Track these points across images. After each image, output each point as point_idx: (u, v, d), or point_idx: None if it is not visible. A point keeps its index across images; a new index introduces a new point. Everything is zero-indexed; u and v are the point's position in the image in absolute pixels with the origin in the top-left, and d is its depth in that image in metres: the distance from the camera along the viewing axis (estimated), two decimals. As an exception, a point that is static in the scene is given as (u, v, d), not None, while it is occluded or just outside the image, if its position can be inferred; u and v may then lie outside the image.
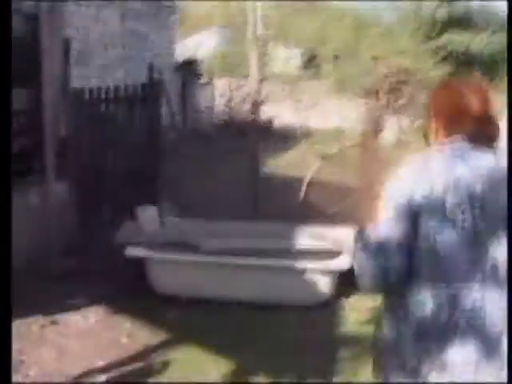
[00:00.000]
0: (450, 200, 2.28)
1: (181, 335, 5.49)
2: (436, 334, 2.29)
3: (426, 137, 2.68)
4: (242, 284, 6.02)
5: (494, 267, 2.29)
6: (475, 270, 2.28)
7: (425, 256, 2.30)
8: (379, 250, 2.32)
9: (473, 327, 2.27)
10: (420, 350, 2.31)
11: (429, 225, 2.28)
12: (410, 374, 2.34)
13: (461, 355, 2.27)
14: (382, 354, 2.50)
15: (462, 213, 2.28)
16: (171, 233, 6.53)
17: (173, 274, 6.13)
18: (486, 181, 2.32)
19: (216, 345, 5.28)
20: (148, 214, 6.63)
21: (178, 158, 10.88)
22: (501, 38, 32.92)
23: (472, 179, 2.32)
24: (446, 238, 2.27)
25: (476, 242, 2.28)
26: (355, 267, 2.48)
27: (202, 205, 8.17)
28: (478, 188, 2.31)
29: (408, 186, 2.36)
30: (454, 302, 2.27)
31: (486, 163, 2.37)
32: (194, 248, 6.19)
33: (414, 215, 2.30)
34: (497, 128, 2.49)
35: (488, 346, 2.27)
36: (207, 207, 8.37)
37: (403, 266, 2.31)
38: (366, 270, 2.38)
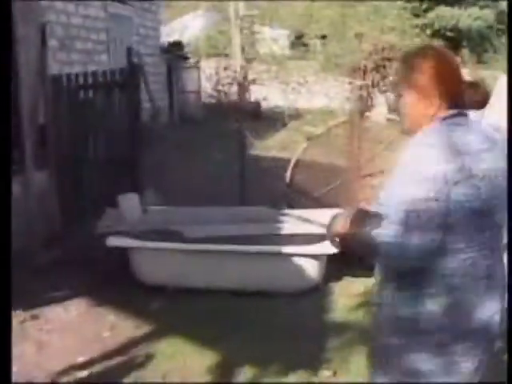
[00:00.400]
0: (475, 172, 2.32)
1: (166, 326, 5.33)
2: (468, 304, 2.40)
3: (405, 113, 2.55)
4: (228, 271, 5.87)
5: (501, 236, 2.48)
6: (490, 238, 2.42)
7: (457, 226, 2.33)
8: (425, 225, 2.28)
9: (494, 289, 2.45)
10: (451, 324, 2.39)
11: (461, 197, 2.29)
12: (440, 350, 2.40)
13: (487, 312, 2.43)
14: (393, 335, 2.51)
15: (482, 184, 2.34)
16: (154, 221, 6.36)
17: (156, 262, 5.97)
18: (492, 151, 2.41)
19: (202, 335, 5.13)
20: (130, 202, 6.46)
21: (163, 143, 10.73)
22: (489, 14, 32.91)
23: (484, 151, 2.38)
24: (473, 208, 2.32)
25: (489, 211, 2.38)
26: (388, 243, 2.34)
27: (187, 191, 8.02)
28: (490, 159, 2.38)
29: (441, 162, 2.30)
30: (478, 269, 2.40)
31: (488, 134, 2.46)
32: (177, 236, 6.03)
33: (448, 190, 2.29)
34: (486, 92, 2.49)
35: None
36: (192, 193, 8.22)
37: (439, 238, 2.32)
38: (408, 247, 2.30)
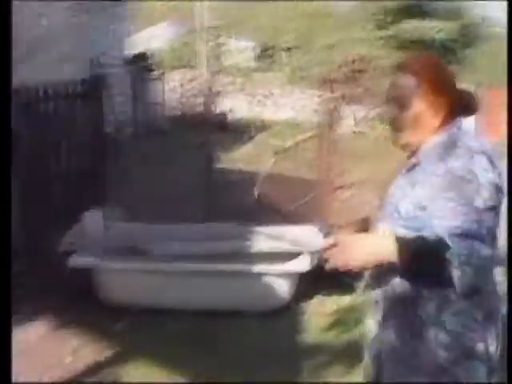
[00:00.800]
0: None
1: (132, 349, 5.11)
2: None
3: (409, 126, 2.39)
4: (196, 291, 5.65)
5: None
6: None
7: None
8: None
9: None
10: (489, 332, 2.31)
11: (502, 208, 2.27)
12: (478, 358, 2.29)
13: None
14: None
15: None
16: (119, 238, 6.10)
17: (121, 282, 5.72)
18: None
19: (170, 358, 4.91)
20: (93, 219, 6.19)
21: (127, 156, 10.48)
22: (451, 26, 33.19)
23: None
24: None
25: None
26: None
27: (152, 206, 7.77)
28: None
29: (493, 169, 2.22)
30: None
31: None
32: (143, 254, 5.78)
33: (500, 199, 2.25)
34: (476, 99, 2.44)
35: None
36: (158, 209, 7.97)
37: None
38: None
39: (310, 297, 6.14)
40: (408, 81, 2.37)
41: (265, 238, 6.27)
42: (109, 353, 5.06)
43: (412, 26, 31.00)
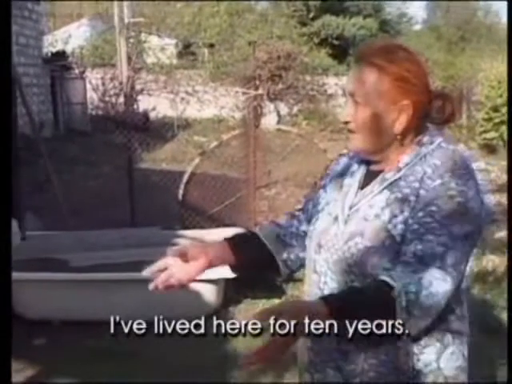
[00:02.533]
0: None
1: (52, 367, 4.82)
2: None
3: (364, 128, 2.02)
4: (118, 301, 5.39)
5: None
6: None
7: None
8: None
9: None
10: None
11: None
12: None
13: None
14: None
15: None
16: (34, 248, 5.80)
17: (39, 295, 5.42)
18: None
19: (93, 375, 4.65)
20: (7, 228, 5.87)
21: (45, 159, 10.10)
22: (372, 23, 33.75)
23: None
24: None
25: None
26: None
27: (71, 212, 7.46)
28: None
29: (485, 192, 2.03)
30: None
31: None
32: (61, 265, 5.51)
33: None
34: (453, 105, 2.06)
35: None
36: (77, 215, 7.67)
37: None
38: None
39: (238, 301, 5.98)
40: (367, 74, 1.99)
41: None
42: (26, 373, 4.76)
43: (334, 23, 31.44)
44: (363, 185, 2.08)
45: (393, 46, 2.05)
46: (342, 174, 2.19)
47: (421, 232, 1.88)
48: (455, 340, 2.01)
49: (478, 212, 1.93)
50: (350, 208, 2.04)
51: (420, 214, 1.90)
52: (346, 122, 2.05)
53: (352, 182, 2.11)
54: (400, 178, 1.98)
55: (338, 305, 1.77)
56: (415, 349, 1.96)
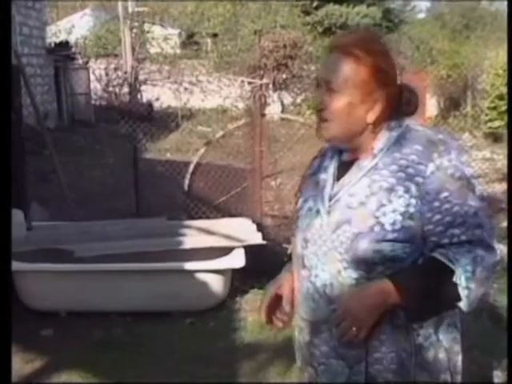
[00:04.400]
0: None
1: (60, 358, 4.79)
2: None
3: (336, 116, 2.05)
4: (126, 292, 5.38)
5: None
6: None
7: None
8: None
9: None
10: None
11: None
12: None
13: None
14: None
15: None
16: (41, 239, 5.76)
17: (46, 286, 5.39)
18: None
19: (102, 365, 4.64)
20: (14, 220, 5.82)
21: (50, 150, 10.07)
22: (376, 11, 33.54)
23: None
24: None
25: None
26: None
27: (77, 202, 7.43)
28: None
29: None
30: None
31: None
32: (67, 255, 5.46)
33: None
34: (417, 97, 2.14)
35: None
36: (83, 205, 7.65)
37: None
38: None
39: (245, 292, 5.96)
40: (344, 63, 2.02)
41: (196, 234, 6.05)
42: (35, 364, 4.74)
43: (337, 12, 31.25)
44: (338, 176, 2.12)
45: (369, 38, 2.10)
46: (315, 172, 2.23)
47: (448, 221, 1.97)
48: (449, 311, 2.05)
49: (470, 176, 2.02)
50: (330, 199, 2.08)
51: (436, 203, 1.97)
52: (320, 110, 2.08)
53: (326, 175, 2.16)
54: (378, 166, 2.03)
55: (408, 290, 1.93)
56: (414, 324, 2.01)
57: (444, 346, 2.05)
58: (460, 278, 1.92)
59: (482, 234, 1.98)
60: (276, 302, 2.26)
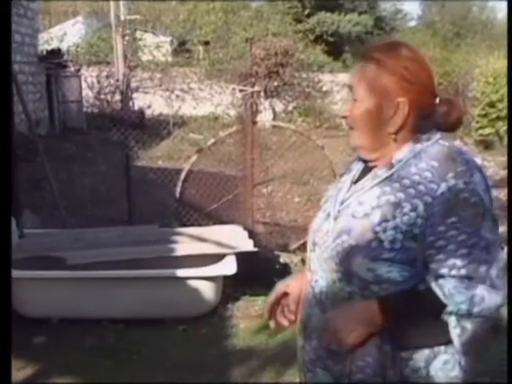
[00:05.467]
0: None
1: (52, 365, 4.79)
2: None
3: (350, 123, 2.02)
4: (118, 299, 5.38)
5: None
6: None
7: None
8: None
9: None
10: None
11: None
12: None
13: None
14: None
15: None
16: (33, 247, 5.76)
17: (38, 293, 5.38)
18: None
19: (93, 373, 4.63)
20: (5, 227, 5.83)
21: (42, 156, 10.08)
22: (367, 20, 33.71)
23: None
24: None
25: None
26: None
27: (69, 210, 7.43)
28: None
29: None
30: None
31: None
32: (59, 263, 5.46)
33: None
34: (461, 112, 2.00)
35: None
36: (75, 213, 7.64)
37: None
38: None
39: (236, 299, 5.97)
40: (366, 68, 1.96)
41: (188, 241, 6.05)
42: (27, 371, 4.73)
43: (329, 20, 31.39)
44: (357, 179, 2.05)
45: (397, 44, 2.00)
46: (342, 174, 2.18)
47: (451, 249, 1.84)
48: (448, 349, 1.92)
49: (491, 204, 1.89)
50: (341, 204, 2.01)
51: (441, 228, 1.84)
52: (344, 117, 2.04)
53: (347, 177, 2.09)
54: (393, 178, 1.92)
55: (393, 315, 1.87)
56: (403, 354, 1.92)
57: (436, 382, 1.94)
58: (450, 316, 1.85)
59: (488, 272, 1.84)
60: (282, 299, 2.22)
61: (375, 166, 2.00)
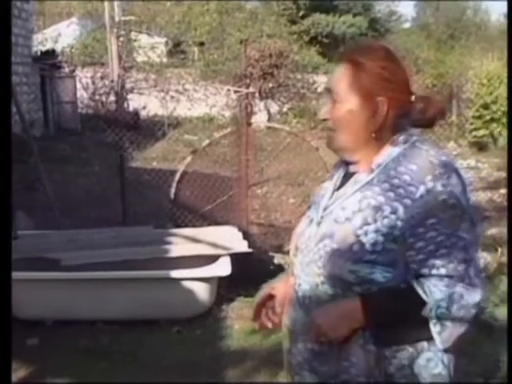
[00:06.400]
0: None
1: (44, 365, 4.78)
2: None
3: (342, 125, 2.03)
4: (111, 300, 5.37)
5: None
6: None
7: None
8: None
9: None
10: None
11: None
12: None
13: None
14: None
15: None
16: (27, 248, 5.74)
17: (31, 294, 5.36)
18: None
19: (86, 372, 4.62)
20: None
21: (36, 157, 10.07)
22: (362, 21, 33.77)
23: None
24: None
25: None
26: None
27: (63, 211, 7.41)
28: None
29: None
30: None
31: None
32: (53, 264, 5.44)
33: None
34: (440, 108, 2.05)
35: None
36: (69, 214, 7.62)
37: None
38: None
39: (231, 300, 5.97)
40: (344, 70, 2.00)
41: (183, 242, 6.04)
42: (20, 372, 4.71)
43: (323, 21, 31.44)
44: (339, 186, 2.08)
45: (374, 45, 2.07)
46: (326, 180, 2.21)
47: (431, 250, 1.89)
48: (431, 346, 1.96)
49: (468, 206, 1.94)
50: (325, 209, 2.05)
51: (420, 229, 1.89)
52: (324, 119, 2.07)
53: (330, 184, 2.13)
54: (373, 182, 1.96)
55: (375, 311, 1.91)
56: (387, 352, 1.95)
57: (419, 381, 1.97)
58: (431, 313, 1.88)
59: (467, 271, 1.90)
60: (268, 302, 2.26)
61: (356, 172, 2.04)
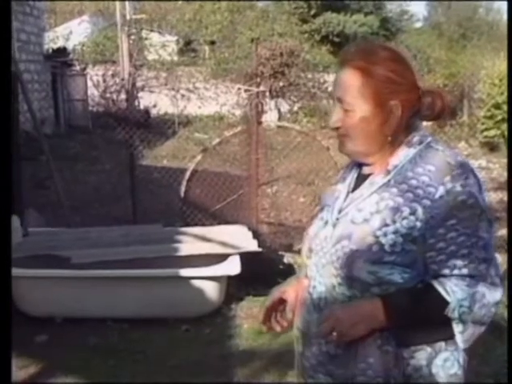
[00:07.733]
0: None
1: (55, 364, 4.79)
2: None
3: (341, 132, 2.03)
4: (122, 298, 5.37)
5: None
6: None
7: None
8: None
9: None
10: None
11: None
12: None
13: None
14: None
15: None
16: (37, 245, 5.76)
17: (41, 292, 5.38)
18: None
19: (96, 372, 4.63)
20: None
21: (47, 155, 10.10)
22: (373, 20, 33.67)
23: None
24: None
25: None
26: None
27: (74, 209, 7.44)
28: None
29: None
30: None
31: None
32: (63, 261, 5.46)
33: None
34: (446, 101, 2.02)
35: None
36: (79, 211, 7.65)
37: None
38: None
39: (240, 299, 5.96)
40: (352, 78, 1.97)
41: (192, 241, 6.05)
42: (30, 369, 4.73)
43: (335, 20, 31.36)
44: (353, 188, 2.07)
45: (374, 47, 2.03)
46: (337, 182, 2.19)
47: (452, 250, 1.90)
48: (448, 346, 1.96)
49: (485, 205, 1.94)
50: (340, 212, 2.04)
51: (441, 230, 1.89)
52: (337, 128, 2.04)
53: (343, 186, 2.11)
54: (390, 183, 1.96)
55: (396, 311, 1.89)
56: (405, 353, 1.94)
57: (437, 380, 1.97)
58: (453, 312, 1.88)
59: (487, 270, 1.91)
60: (278, 305, 2.23)
61: (371, 174, 2.03)
